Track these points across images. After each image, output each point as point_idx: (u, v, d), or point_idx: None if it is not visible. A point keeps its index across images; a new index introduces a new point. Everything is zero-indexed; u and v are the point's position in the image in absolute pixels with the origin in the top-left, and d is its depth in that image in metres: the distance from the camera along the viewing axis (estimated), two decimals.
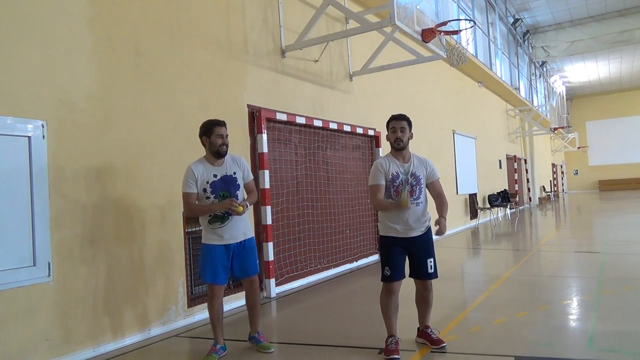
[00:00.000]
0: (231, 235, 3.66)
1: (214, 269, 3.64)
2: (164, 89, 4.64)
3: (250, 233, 3.83)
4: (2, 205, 3.38)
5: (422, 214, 3.69)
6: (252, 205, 3.89)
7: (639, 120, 32.19)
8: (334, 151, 7.26)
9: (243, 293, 5.33)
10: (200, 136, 3.71)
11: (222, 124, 3.69)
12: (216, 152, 3.64)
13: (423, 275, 3.68)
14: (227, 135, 3.69)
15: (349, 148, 7.65)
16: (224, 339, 3.81)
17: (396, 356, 3.53)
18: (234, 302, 5.27)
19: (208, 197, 3.62)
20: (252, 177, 3.87)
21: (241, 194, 3.77)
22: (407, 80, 9.78)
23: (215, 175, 3.63)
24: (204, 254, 3.71)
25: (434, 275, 3.69)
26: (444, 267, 7.45)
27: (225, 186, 3.66)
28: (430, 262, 3.67)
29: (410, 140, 3.70)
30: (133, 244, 4.24)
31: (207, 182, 3.61)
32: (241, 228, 3.71)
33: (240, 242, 3.72)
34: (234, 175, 3.70)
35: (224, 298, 5.09)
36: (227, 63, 5.41)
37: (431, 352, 3.59)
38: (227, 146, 3.67)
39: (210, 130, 3.63)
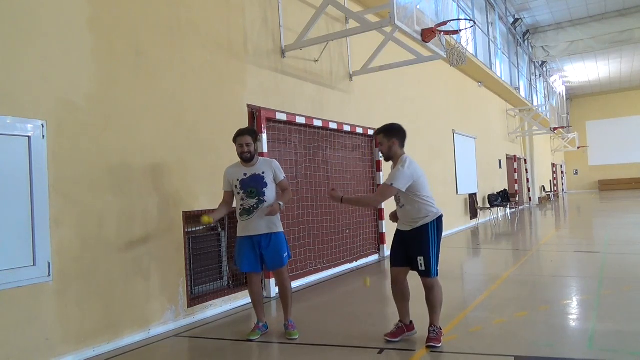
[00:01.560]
0: (255, 228, 4.05)
1: (240, 258, 4.14)
2: (163, 89, 4.63)
3: (277, 228, 4.13)
4: (2, 205, 3.37)
5: (406, 216, 3.79)
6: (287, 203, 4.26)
7: (639, 120, 32.20)
8: (334, 151, 7.26)
9: (242, 293, 5.38)
10: (234, 141, 4.18)
11: (242, 133, 4.12)
12: (240, 158, 4.13)
13: (416, 270, 3.79)
14: (249, 143, 4.06)
15: (348, 148, 7.65)
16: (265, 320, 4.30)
17: (388, 339, 3.76)
18: (234, 302, 5.27)
19: (238, 193, 4.10)
20: (282, 177, 4.19)
21: (269, 192, 4.09)
22: (407, 80, 9.78)
23: (245, 174, 4.09)
24: (236, 245, 4.24)
25: (425, 273, 3.72)
26: (444, 267, 7.45)
27: (254, 183, 4.06)
28: (420, 260, 3.71)
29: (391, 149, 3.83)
30: (133, 243, 4.23)
31: (237, 180, 4.09)
32: (266, 222, 4.06)
33: (267, 235, 4.07)
34: (262, 174, 4.09)
35: (224, 298, 5.13)
36: (227, 63, 5.41)
37: (431, 352, 3.59)
38: (249, 153, 4.06)
39: (235, 140, 4.14)
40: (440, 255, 3.82)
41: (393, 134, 3.81)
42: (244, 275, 5.43)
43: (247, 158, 4.07)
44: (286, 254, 4.16)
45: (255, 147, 4.12)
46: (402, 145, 3.86)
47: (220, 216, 4.18)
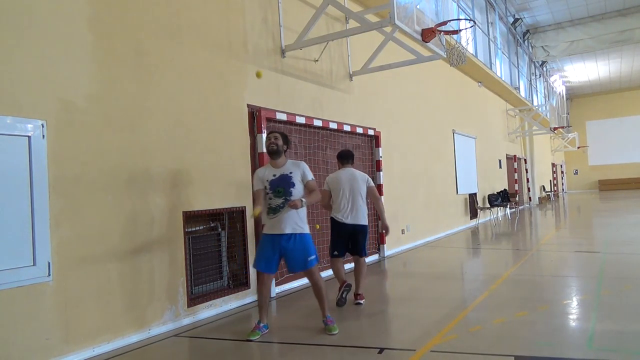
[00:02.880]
0: (280, 227, 4.13)
1: (258, 256, 4.25)
2: (163, 89, 4.64)
3: (302, 229, 4.20)
4: (2, 205, 3.37)
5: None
6: (309, 204, 4.26)
7: (639, 120, 32.20)
8: (334, 151, 7.24)
9: (242, 293, 5.38)
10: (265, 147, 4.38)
11: (274, 132, 4.34)
12: (269, 152, 4.24)
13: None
14: (277, 137, 4.23)
15: (348, 148, 7.64)
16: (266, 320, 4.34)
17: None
18: (234, 302, 5.27)
19: (267, 193, 4.20)
20: (310, 178, 4.28)
21: (297, 192, 4.17)
22: (407, 80, 9.78)
23: (274, 175, 4.20)
24: (259, 242, 4.36)
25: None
26: (444, 267, 7.48)
27: (282, 183, 4.17)
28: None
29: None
30: (133, 243, 4.23)
31: (267, 181, 4.20)
32: (291, 222, 4.13)
33: (290, 235, 4.13)
34: (290, 174, 4.20)
35: (224, 298, 5.13)
36: (227, 63, 5.42)
37: (431, 351, 3.59)
38: (275, 145, 4.20)
39: (265, 140, 4.39)
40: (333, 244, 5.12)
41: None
42: (244, 275, 5.45)
43: (273, 150, 4.18)
44: (313, 256, 4.20)
45: (283, 148, 4.25)
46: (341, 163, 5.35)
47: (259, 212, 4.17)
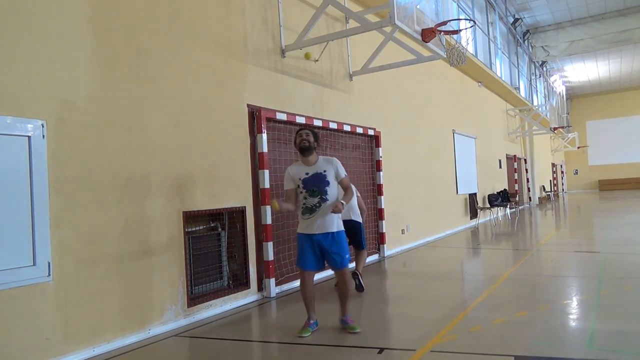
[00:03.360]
0: (317, 226, 4.08)
1: (303, 257, 4.15)
2: (163, 89, 4.64)
3: (338, 227, 4.16)
4: (2, 204, 3.37)
5: None
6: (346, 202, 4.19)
7: (639, 120, 32.20)
8: (334, 151, 7.25)
9: (242, 293, 5.39)
10: (294, 144, 4.31)
11: (303, 128, 4.30)
12: (300, 149, 4.16)
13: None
14: (308, 134, 4.17)
15: (348, 148, 7.65)
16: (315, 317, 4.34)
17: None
18: (234, 302, 5.27)
19: (301, 192, 4.15)
20: (343, 175, 4.22)
21: (332, 190, 4.14)
22: (407, 80, 9.77)
23: (307, 173, 4.13)
24: (297, 242, 4.26)
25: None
26: (444, 267, 7.48)
27: (316, 182, 4.10)
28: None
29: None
30: (133, 243, 4.23)
31: (300, 179, 4.13)
32: (328, 221, 4.09)
33: (328, 234, 4.09)
34: (324, 173, 4.13)
35: (224, 298, 5.13)
36: (227, 63, 5.42)
37: (431, 351, 3.59)
38: (307, 142, 4.13)
39: (295, 136, 4.26)
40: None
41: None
42: (244, 275, 5.45)
43: (305, 146, 4.11)
44: (347, 255, 4.18)
45: (314, 144, 4.17)
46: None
47: (286, 207, 4.15)
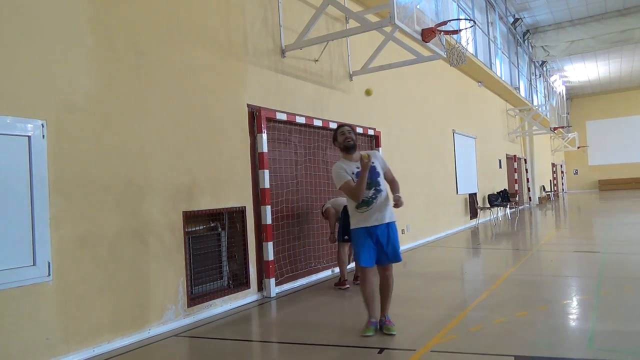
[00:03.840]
0: (376, 218, 4.03)
1: (361, 252, 4.04)
2: (163, 89, 4.63)
3: (393, 218, 4.13)
4: (2, 204, 3.37)
5: None
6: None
7: (639, 120, 32.19)
8: (334, 151, 7.25)
9: (242, 293, 5.39)
10: (333, 142, 4.34)
11: (343, 126, 4.30)
12: (344, 147, 4.17)
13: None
14: (350, 130, 4.20)
15: None
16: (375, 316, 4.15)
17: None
18: (234, 302, 5.27)
19: None
20: (388, 166, 4.25)
21: (382, 181, 4.14)
22: (407, 80, 9.77)
23: (358, 167, 4.06)
24: (353, 239, 4.18)
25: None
26: (444, 267, 7.47)
27: (369, 175, 4.02)
28: None
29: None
30: (133, 243, 4.23)
31: (353, 174, 4.08)
32: (387, 212, 4.07)
33: (385, 225, 4.05)
34: (373, 164, 4.08)
35: (224, 298, 5.13)
36: (227, 63, 5.42)
37: (431, 351, 3.59)
38: (352, 140, 4.16)
39: (335, 134, 4.26)
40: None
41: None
42: (244, 275, 5.45)
43: (350, 145, 4.12)
44: (399, 249, 4.14)
45: (356, 140, 4.20)
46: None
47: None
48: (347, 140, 4.15)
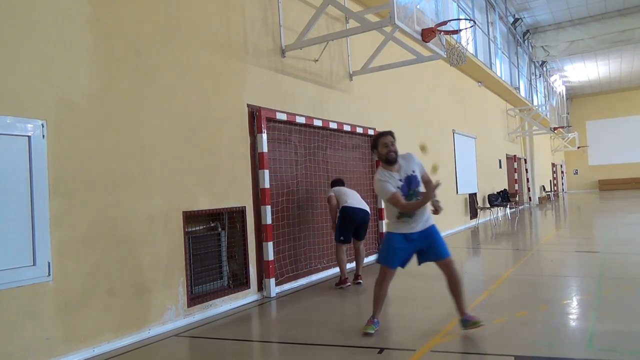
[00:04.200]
0: (414, 227, 3.97)
1: (389, 252, 4.00)
2: (163, 89, 4.63)
3: (431, 221, 4.05)
4: (2, 205, 3.37)
5: None
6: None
7: (639, 120, 32.19)
8: (334, 151, 7.26)
9: (242, 293, 5.38)
10: (372, 149, 4.20)
11: (385, 134, 4.09)
12: (386, 160, 4.01)
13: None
14: (393, 142, 4.03)
15: (348, 148, 7.65)
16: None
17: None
18: (234, 302, 5.27)
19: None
20: (425, 170, 4.16)
21: (422, 188, 4.08)
22: (407, 80, 9.77)
23: (400, 180, 3.97)
24: (385, 240, 4.14)
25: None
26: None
27: (413, 186, 4.00)
28: None
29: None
30: (133, 243, 4.23)
31: (398, 188, 3.94)
32: (424, 219, 4.01)
33: (425, 230, 3.99)
34: (414, 173, 4.02)
35: (224, 298, 5.13)
36: (227, 63, 5.41)
37: (431, 351, 3.59)
38: (394, 152, 4.00)
39: (376, 143, 4.07)
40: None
41: None
42: (244, 275, 5.45)
43: (393, 158, 3.98)
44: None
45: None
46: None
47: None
48: (390, 153, 3.98)
